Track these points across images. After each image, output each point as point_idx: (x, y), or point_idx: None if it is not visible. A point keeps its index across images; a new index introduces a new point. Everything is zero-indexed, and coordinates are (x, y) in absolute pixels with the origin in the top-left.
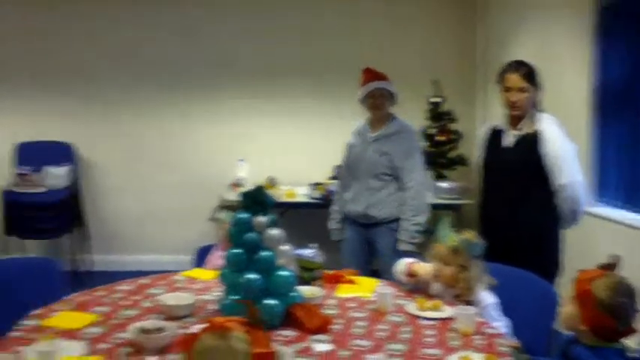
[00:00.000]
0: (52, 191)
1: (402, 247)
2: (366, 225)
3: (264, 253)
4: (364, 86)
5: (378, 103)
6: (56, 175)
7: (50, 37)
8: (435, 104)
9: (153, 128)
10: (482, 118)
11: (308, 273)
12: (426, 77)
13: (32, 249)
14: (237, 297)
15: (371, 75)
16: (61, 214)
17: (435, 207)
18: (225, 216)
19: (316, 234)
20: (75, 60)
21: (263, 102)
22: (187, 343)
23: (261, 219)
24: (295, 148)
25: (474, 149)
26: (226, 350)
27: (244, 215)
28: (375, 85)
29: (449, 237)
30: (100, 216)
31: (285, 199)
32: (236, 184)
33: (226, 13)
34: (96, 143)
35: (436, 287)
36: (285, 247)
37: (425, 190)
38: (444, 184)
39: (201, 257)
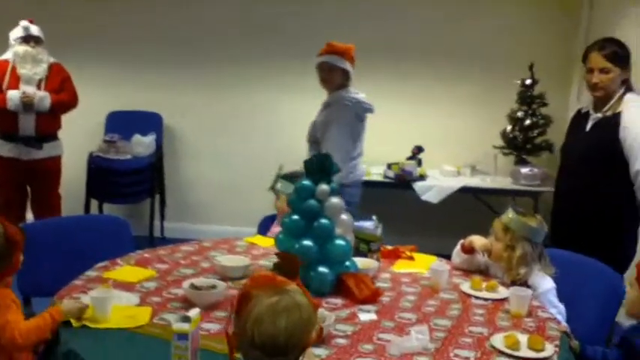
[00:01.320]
0: (137, 158)
1: None
2: None
3: (322, 221)
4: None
5: (324, 76)
6: (142, 143)
7: (138, 8)
8: (527, 87)
9: (239, 99)
10: (575, 104)
11: (365, 245)
12: (522, 59)
13: (110, 212)
14: None
15: (325, 48)
16: (142, 181)
17: (515, 193)
18: (281, 186)
19: (390, 213)
20: (162, 31)
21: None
22: (240, 302)
23: (324, 187)
24: (375, 127)
25: (563, 136)
26: (293, 305)
27: (307, 183)
28: (322, 58)
29: (505, 215)
30: (178, 184)
31: None
32: None
33: None
34: (181, 113)
35: (484, 260)
36: (344, 217)
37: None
38: (524, 170)
39: (264, 226)
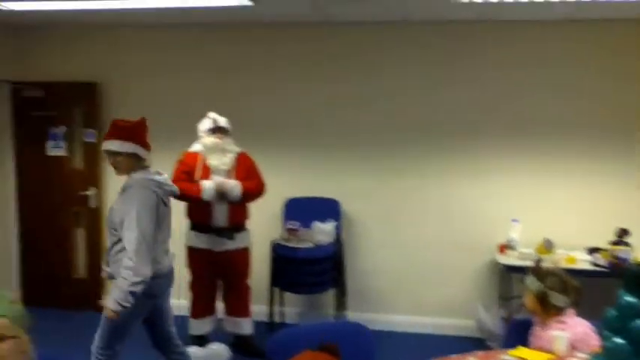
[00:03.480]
0: (318, 247)
1: (110, 305)
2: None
3: None
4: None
5: (111, 162)
6: (323, 231)
7: (313, 97)
8: None
9: (416, 184)
10: None
11: None
12: None
13: (291, 302)
14: None
15: (109, 132)
16: (325, 270)
17: None
18: (529, 282)
19: (601, 306)
20: (339, 121)
21: (536, 160)
22: None
23: None
24: (571, 208)
25: None
26: None
27: (630, 299)
28: (105, 145)
29: None
30: (358, 272)
31: (563, 265)
32: (507, 246)
33: (492, 66)
34: (358, 199)
35: None
36: None
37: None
38: None
39: (514, 331)
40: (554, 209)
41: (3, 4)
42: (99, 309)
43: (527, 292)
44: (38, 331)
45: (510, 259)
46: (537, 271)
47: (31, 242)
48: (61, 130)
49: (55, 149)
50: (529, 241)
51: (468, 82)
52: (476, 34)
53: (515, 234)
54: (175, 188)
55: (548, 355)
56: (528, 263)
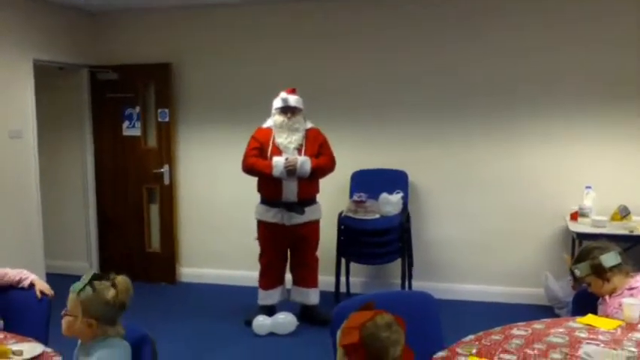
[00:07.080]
0: (385, 218)
1: None
2: None
3: None
4: None
5: None
6: (390, 202)
7: (384, 73)
8: None
9: (484, 153)
10: None
11: None
12: None
13: (358, 272)
14: None
15: None
16: (392, 241)
17: None
18: (579, 269)
19: None
20: (404, 92)
21: (610, 125)
22: None
23: None
24: None
25: None
26: None
27: None
28: None
29: None
30: (425, 242)
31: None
32: (579, 213)
33: (556, 25)
34: (425, 169)
35: None
36: None
37: None
38: None
39: (584, 299)
40: (630, 176)
41: None
42: (171, 281)
43: (585, 279)
44: None
45: (582, 226)
46: (577, 259)
47: (108, 218)
48: (136, 110)
49: (130, 129)
50: (603, 208)
51: (536, 48)
52: None
53: (588, 201)
54: None
55: (619, 322)
56: (601, 231)
